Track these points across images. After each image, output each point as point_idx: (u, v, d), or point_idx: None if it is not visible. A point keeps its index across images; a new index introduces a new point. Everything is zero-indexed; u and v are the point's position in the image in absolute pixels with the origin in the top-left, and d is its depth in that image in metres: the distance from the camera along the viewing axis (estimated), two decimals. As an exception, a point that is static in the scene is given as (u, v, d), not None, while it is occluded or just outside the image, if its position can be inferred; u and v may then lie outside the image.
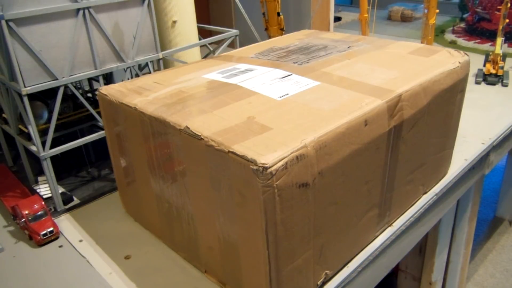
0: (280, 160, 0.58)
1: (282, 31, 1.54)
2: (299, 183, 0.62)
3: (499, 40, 1.76)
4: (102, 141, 1.02)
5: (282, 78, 0.86)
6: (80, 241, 0.95)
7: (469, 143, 1.25)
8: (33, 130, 0.97)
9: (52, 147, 1.00)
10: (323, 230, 0.71)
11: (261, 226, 0.61)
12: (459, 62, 0.92)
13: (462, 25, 2.57)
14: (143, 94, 0.83)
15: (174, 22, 1.30)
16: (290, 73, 0.88)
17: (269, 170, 0.57)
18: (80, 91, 1.31)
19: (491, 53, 1.80)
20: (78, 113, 1.16)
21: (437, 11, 1.70)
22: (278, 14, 1.51)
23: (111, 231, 0.98)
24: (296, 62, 0.95)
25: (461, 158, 1.16)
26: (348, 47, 1.05)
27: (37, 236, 0.93)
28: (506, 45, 2.12)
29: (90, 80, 1.36)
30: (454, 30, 2.54)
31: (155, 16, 1.13)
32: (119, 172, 0.97)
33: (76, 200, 1.10)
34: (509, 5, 1.69)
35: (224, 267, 0.76)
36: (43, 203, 0.98)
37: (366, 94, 0.77)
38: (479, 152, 1.21)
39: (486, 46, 2.20)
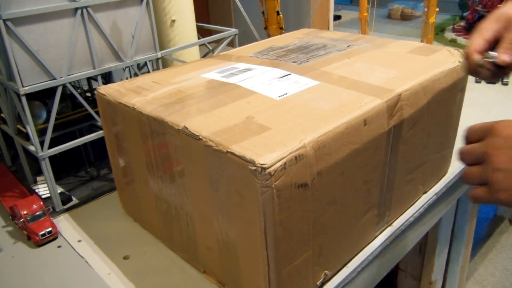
0: (278, 161, 0.58)
1: (281, 30, 1.54)
2: (298, 183, 0.62)
3: (499, 38, 1.75)
4: (101, 141, 1.02)
5: (281, 77, 0.86)
6: (79, 241, 0.95)
7: (469, 142, 1.24)
8: (31, 130, 0.96)
9: (50, 147, 0.99)
10: (322, 230, 0.71)
11: (260, 226, 0.61)
12: (459, 61, 0.91)
13: (462, 23, 2.56)
14: (141, 94, 0.83)
15: (173, 21, 1.30)
16: (289, 73, 0.88)
17: (267, 170, 0.57)
18: (79, 90, 1.30)
19: (491, 51, 1.79)
20: (77, 113, 1.15)
21: (437, 9, 1.70)
22: (278, 13, 1.50)
23: (110, 231, 0.98)
24: (295, 61, 0.95)
25: (461, 158, 1.16)
26: (348, 46, 1.05)
27: (35, 236, 0.93)
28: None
29: (89, 79, 1.36)
30: (454, 28, 2.53)
31: (154, 15, 1.13)
32: (118, 172, 0.97)
33: (75, 200, 1.09)
34: (509, 3, 1.68)
35: (223, 268, 0.76)
36: (41, 203, 0.98)
37: (365, 93, 0.76)
38: (479, 151, 1.20)
39: (486, 45, 2.19)
